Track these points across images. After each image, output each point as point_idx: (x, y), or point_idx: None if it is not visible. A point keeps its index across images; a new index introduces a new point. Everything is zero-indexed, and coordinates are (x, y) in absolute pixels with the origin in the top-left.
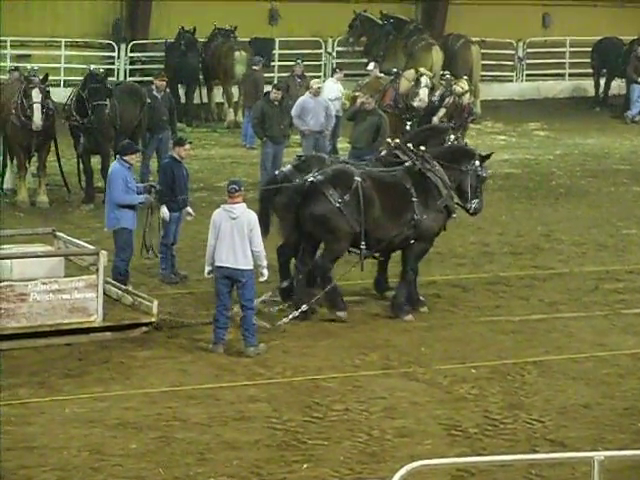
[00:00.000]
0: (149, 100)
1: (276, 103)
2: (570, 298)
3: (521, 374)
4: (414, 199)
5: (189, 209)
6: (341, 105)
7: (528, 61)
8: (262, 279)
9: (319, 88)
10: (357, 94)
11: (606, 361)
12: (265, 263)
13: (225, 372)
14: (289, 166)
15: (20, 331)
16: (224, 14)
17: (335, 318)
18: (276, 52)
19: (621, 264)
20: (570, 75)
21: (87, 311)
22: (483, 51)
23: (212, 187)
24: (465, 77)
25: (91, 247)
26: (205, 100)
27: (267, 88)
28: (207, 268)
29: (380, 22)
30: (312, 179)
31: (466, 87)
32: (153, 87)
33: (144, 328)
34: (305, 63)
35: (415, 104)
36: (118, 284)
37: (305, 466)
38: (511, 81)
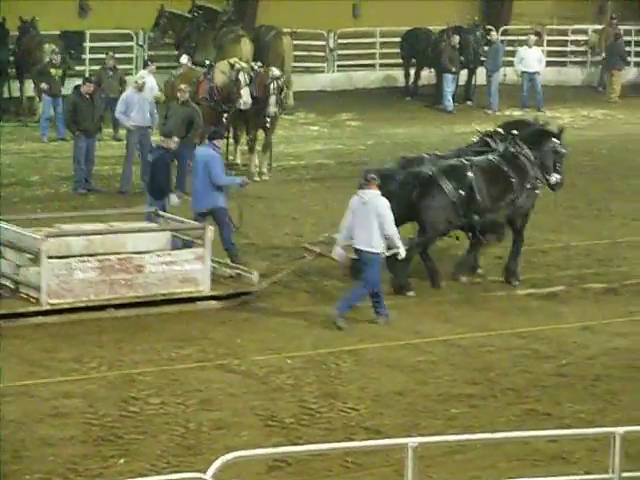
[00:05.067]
0: None
1: (88, 96)
2: (386, 286)
3: (336, 363)
4: (513, 180)
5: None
6: (154, 98)
7: (339, 52)
8: (400, 257)
9: (143, 83)
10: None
11: (420, 348)
12: (400, 244)
13: (40, 368)
14: (393, 163)
15: (137, 300)
16: (35, 7)
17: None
18: (87, 45)
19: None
20: (381, 65)
21: (196, 281)
22: (294, 42)
23: (24, 182)
24: (276, 68)
25: (198, 223)
26: (16, 94)
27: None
28: (337, 249)
29: (188, 15)
30: (430, 172)
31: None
32: None
33: (245, 297)
34: (117, 56)
35: (241, 107)
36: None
37: (122, 461)
38: (323, 72)
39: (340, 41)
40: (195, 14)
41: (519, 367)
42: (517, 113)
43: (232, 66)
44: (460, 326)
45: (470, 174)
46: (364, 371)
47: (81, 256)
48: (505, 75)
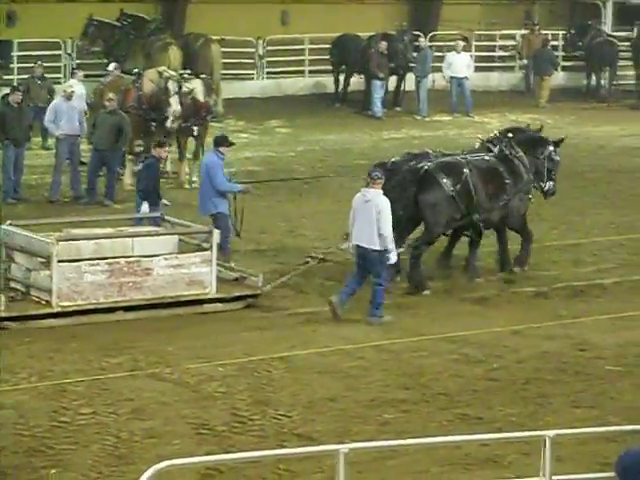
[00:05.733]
0: None
1: (16, 105)
2: (316, 292)
3: (268, 370)
4: (507, 181)
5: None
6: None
7: (268, 59)
8: (388, 262)
9: (72, 92)
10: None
11: (351, 354)
12: (391, 246)
13: None
14: (398, 158)
15: (145, 302)
16: None
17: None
18: (15, 54)
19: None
20: (310, 72)
21: (202, 284)
22: (223, 49)
23: None
24: (203, 76)
25: (204, 227)
26: None
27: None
28: (345, 244)
29: (116, 23)
30: (427, 167)
31: (193, 86)
32: None
33: (250, 300)
34: (45, 65)
35: (170, 117)
36: (222, 262)
37: (53, 471)
38: (252, 79)
39: (269, 48)
40: (123, 22)
41: (450, 372)
42: (446, 118)
43: (160, 74)
44: (391, 331)
45: (466, 170)
46: (296, 378)
47: (91, 259)
48: (434, 81)
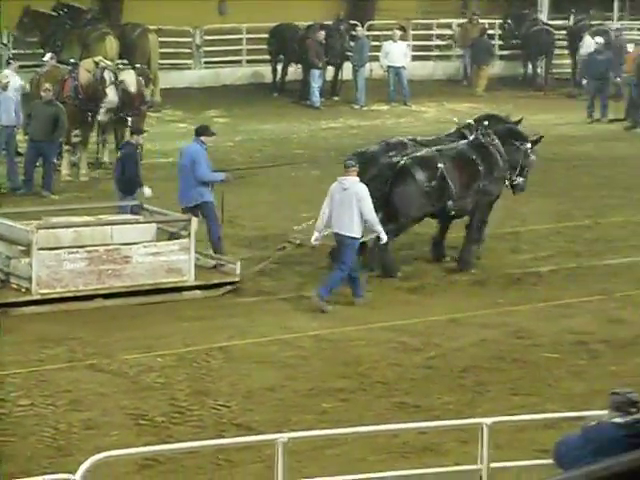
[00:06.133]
0: None
1: None
2: (253, 282)
3: (207, 360)
4: (480, 168)
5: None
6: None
7: (206, 48)
8: (382, 242)
9: (7, 82)
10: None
11: (290, 344)
12: (380, 228)
13: None
14: (375, 146)
15: (124, 290)
16: None
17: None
18: None
19: (303, 248)
20: (248, 61)
21: (181, 272)
22: (161, 39)
23: None
24: (138, 66)
25: (183, 215)
26: None
27: None
28: (315, 234)
29: (53, 13)
30: (403, 162)
31: (123, 77)
32: None
33: (228, 287)
34: None
35: (107, 106)
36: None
37: None
38: (190, 69)
39: (206, 38)
40: (60, 12)
41: (388, 360)
42: (384, 108)
43: (97, 64)
44: (329, 320)
45: (440, 164)
46: (235, 368)
47: (70, 247)
48: (371, 70)
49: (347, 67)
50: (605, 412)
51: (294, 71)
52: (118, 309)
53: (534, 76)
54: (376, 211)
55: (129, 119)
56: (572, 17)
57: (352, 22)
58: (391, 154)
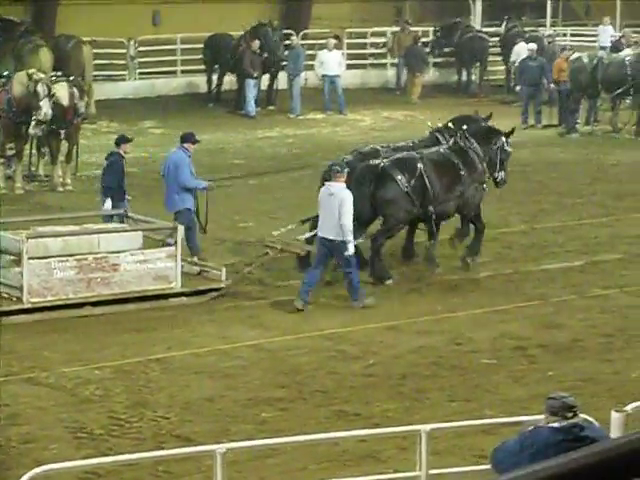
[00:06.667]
0: None
1: None
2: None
3: (145, 372)
4: (461, 172)
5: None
6: None
7: (140, 59)
8: (346, 253)
9: None
10: None
11: (228, 354)
12: (349, 238)
13: None
14: (350, 156)
15: (113, 297)
16: None
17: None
18: None
19: (240, 257)
20: (183, 72)
21: (168, 278)
22: (95, 51)
23: None
24: (73, 78)
25: (168, 223)
26: None
27: None
28: (308, 234)
29: None
30: (382, 165)
31: (55, 90)
32: None
33: (214, 293)
34: None
35: (41, 118)
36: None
37: None
38: (124, 80)
39: (141, 49)
40: None
41: (327, 369)
42: (320, 116)
43: (30, 77)
44: (268, 330)
45: (420, 165)
46: (173, 379)
47: (60, 256)
48: (306, 79)
49: (282, 76)
50: (542, 417)
51: (229, 81)
52: (55, 322)
53: (468, 83)
54: (363, 216)
55: (62, 132)
56: (505, 24)
57: (287, 31)
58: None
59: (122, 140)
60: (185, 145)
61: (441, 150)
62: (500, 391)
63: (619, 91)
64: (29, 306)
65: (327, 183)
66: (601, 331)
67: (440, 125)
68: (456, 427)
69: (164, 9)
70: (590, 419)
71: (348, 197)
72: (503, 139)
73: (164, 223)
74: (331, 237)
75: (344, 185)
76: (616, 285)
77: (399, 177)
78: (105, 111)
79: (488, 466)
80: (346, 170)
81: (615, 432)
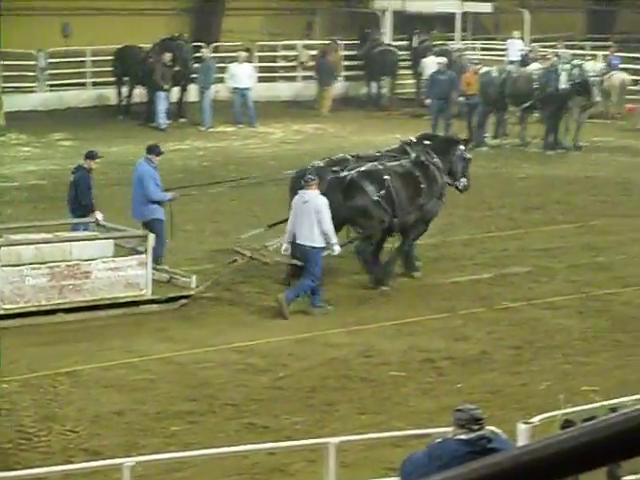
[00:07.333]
0: None
1: None
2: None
3: (53, 385)
4: (422, 185)
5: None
6: None
7: (50, 71)
8: (333, 254)
9: None
10: None
11: (137, 367)
12: (335, 240)
13: None
14: (319, 162)
15: (84, 304)
16: None
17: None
18: None
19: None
20: (92, 84)
21: (139, 286)
22: (4, 62)
23: None
24: None
25: (139, 232)
26: None
27: None
28: (284, 245)
29: None
30: (350, 176)
31: None
32: None
33: (183, 300)
34: None
35: None
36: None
37: None
38: (34, 91)
39: (51, 60)
40: None
41: (236, 382)
42: (230, 129)
43: None
44: (177, 343)
45: (387, 177)
46: (82, 392)
47: (33, 264)
48: (217, 91)
49: (193, 89)
50: (450, 429)
51: (139, 93)
52: None
53: (378, 96)
54: (336, 226)
55: None
56: (415, 37)
57: (197, 44)
58: (335, 169)
59: (92, 156)
60: (149, 157)
61: (403, 163)
62: (409, 403)
63: (527, 104)
64: (2, 312)
65: (300, 191)
66: (509, 344)
67: (412, 139)
68: (365, 439)
69: (74, 20)
70: (497, 431)
71: (323, 203)
72: (462, 147)
73: (135, 231)
74: (307, 243)
75: (318, 192)
76: (524, 298)
77: (368, 187)
78: (15, 123)
79: (397, 478)
80: (317, 179)
81: (522, 444)
